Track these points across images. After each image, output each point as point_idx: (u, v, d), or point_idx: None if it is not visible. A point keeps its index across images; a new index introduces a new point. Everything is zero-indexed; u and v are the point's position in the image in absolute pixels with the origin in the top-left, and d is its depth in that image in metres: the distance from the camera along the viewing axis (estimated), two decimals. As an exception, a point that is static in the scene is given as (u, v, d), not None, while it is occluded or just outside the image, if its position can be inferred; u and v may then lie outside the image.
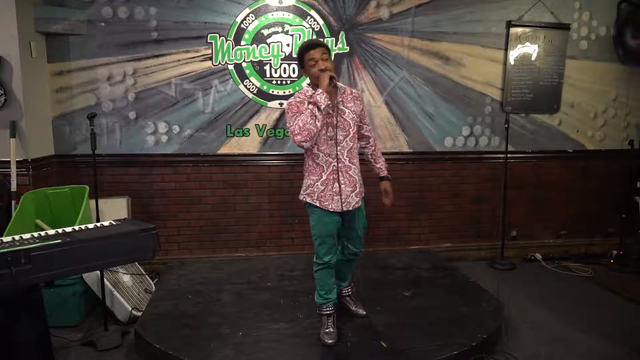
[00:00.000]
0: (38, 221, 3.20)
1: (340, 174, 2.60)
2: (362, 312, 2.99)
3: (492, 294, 3.33)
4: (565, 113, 4.52)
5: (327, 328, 2.71)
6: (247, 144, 4.09)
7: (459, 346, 2.61)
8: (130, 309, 3.15)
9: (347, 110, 2.62)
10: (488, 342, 2.77)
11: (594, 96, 4.55)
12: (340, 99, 2.61)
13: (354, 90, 2.73)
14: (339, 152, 2.59)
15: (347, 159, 2.62)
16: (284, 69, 4.03)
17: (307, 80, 2.70)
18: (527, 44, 4.32)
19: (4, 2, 3.27)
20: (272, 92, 4.05)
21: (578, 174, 4.63)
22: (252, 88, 4.02)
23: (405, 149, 4.30)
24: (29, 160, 3.45)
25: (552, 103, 4.48)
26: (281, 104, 4.08)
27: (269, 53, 3.99)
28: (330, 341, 2.64)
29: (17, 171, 3.31)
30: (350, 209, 2.65)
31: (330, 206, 2.62)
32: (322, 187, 2.61)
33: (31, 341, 2.01)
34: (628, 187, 4.41)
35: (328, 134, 2.57)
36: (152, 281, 3.68)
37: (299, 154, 4.10)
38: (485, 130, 4.40)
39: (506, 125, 4.22)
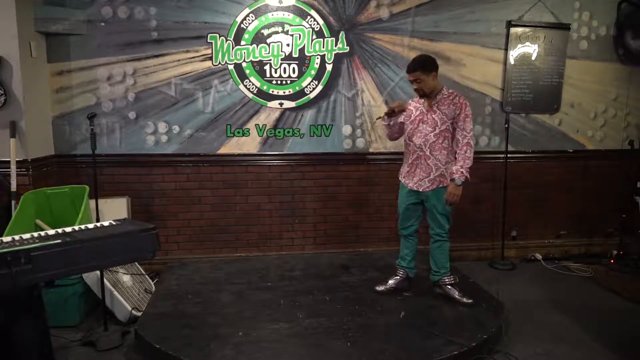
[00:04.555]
0: (38, 221, 3.19)
1: (419, 161, 3.17)
2: (466, 300, 3.20)
3: (492, 294, 3.33)
4: (565, 113, 4.52)
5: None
6: (247, 144, 4.09)
7: (459, 346, 2.62)
8: (130, 309, 3.14)
9: (438, 111, 3.10)
10: (488, 342, 2.77)
11: (594, 96, 4.55)
12: (435, 102, 3.12)
13: (456, 97, 3.10)
14: (422, 144, 3.14)
15: (428, 150, 3.12)
16: (284, 69, 4.02)
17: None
18: (527, 44, 4.32)
19: (4, 2, 3.27)
20: (272, 92, 4.05)
21: (578, 174, 4.63)
22: (252, 88, 4.02)
23: (406, 149, 4.30)
24: (29, 160, 3.45)
25: (552, 103, 4.48)
26: (281, 104, 4.08)
27: (269, 53, 3.99)
28: None
29: (17, 171, 3.31)
30: (421, 190, 3.17)
31: (409, 185, 3.23)
32: (407, 169, 3.27)
33: (31, 341, 2.00)
34: (628, 187, 4.41)
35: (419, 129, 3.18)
36: (152, 281, 3.67)
37: (299, 154, 4.15)
38: (485, 130, 4.40)
39: (506, 125, 4.22)
